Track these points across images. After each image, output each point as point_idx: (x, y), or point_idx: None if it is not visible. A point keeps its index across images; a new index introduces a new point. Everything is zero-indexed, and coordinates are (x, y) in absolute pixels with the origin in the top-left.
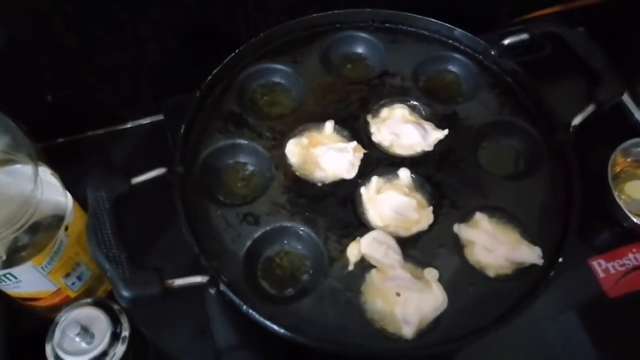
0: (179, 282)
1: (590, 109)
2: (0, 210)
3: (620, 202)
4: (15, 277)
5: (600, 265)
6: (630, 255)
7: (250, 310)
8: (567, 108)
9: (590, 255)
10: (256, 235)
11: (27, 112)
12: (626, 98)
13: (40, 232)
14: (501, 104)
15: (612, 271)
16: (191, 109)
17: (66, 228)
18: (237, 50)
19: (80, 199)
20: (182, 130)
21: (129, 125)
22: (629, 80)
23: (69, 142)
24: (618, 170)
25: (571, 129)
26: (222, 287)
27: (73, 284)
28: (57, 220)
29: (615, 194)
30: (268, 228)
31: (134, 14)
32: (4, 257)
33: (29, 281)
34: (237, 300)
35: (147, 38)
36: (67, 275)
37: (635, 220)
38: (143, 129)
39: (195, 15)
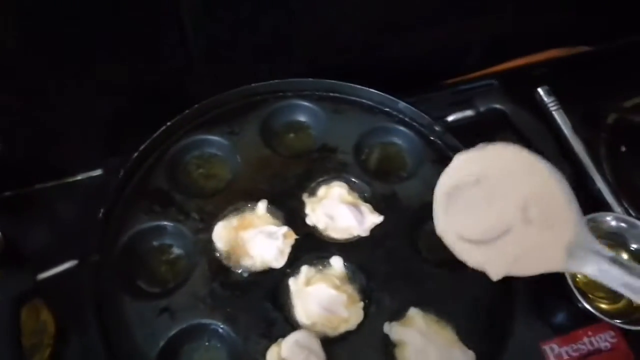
0: None
1: None
2: None
3: (572, 283)
4: None
5: (552, 350)
6: (586, 339)
7: None
8: None
9: (542, 337)
10: (171, 333)
11: None
12: (590, 168)
13: None
14: None
15: (565, 357)
16: (112, 191)
17: None
18: (168, 124)
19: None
20: (100, 215)
21: (79, 178)
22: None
23: (15, 195)
24: None
25: None
26: None
27: None
28: None
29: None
30: (184, 325)
31: (81, 70)
32: None
33: None
34: None
35: (93, 97)
36: None
37: (586, 305)
38: (93, 181)
39: (145, 75)
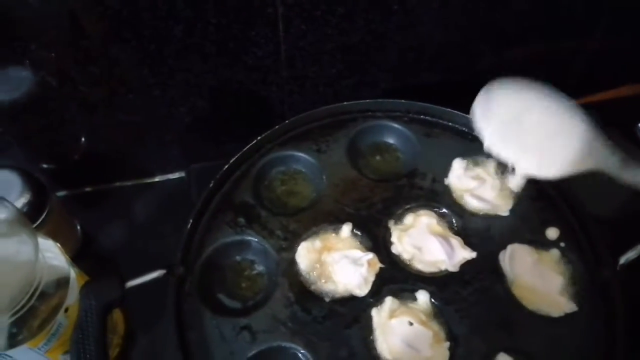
0: None
1: None
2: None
3: None
4: (11, 357)
5: None
6: None
7: None
8: (619, 238)
9: None
10: (250, 354)
11: (58, 159)
12: None
13: (39, 313)
14: (542, 221)
15: None
16: (201, 201)
17: (66, 309)
18: (258, 138)
19: (101, 248)
20: (188, 226)
21: (156, 179)
22: None
23: (96, 192)
24: None
25: (619, 267)
26: None
27: None
28: (57, 300)
29: None
30: (264, 347)
31: (162, 77)
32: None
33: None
34: None
35: (176, 101)
36: (67, 352)
37: None
38: (171, 184)
39: (227, 81)
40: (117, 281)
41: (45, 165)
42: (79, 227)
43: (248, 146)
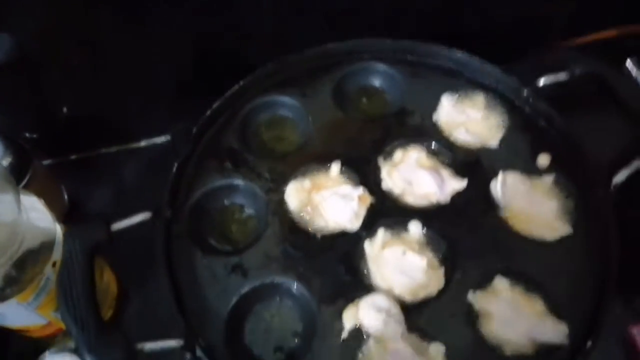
0: (151, 346)
1: (636, 164)
2: None
3: None
4: (1, 313)
5: None
6: None
7: None
8: (610, 160)
9: (631, 321)
10: (243, 290)
11: (41, 126)
12: None
13: (26, 268)
14: (533, 150)
15: None
16: (186, 147)
17: (54, 264)
18: (241, 83)
19: (88, 215)
20: (174, 170)
21: (142, 144)
22: None
23: (81, 159)
24: None
25: (612, 187)
26: (199, 353)
27: None
28: (44, 255)
29: None
30: (257, 283)
31: (144, 32)
32: None
33: (15, 316)
34: None
35: (158, 58)
36: (58, 308)
37: None
38: (157, 148)
39: (210, 37)
40: (101, 224)
41: (28, 135)
42: (65, 194)
43: (231, 91)
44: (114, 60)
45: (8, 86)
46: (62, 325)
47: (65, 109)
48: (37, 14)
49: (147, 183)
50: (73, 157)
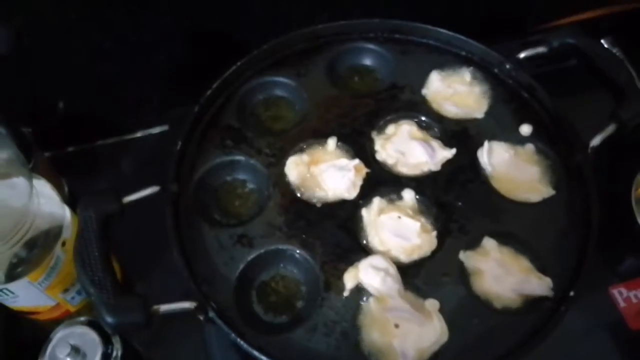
0: (166, 307)
1: (611, 128)
2: None
3: None
4: (12, 292)
5: (621, 294)
6: None
7: (239, 340)
8: (588, 126)
9: (611, 282)
10: (249, 258)
11: (37, 119)
12: None
13: (36, 247)
14: (516, 120)
15: (634, 300)
16: (188, 125)
17: (63, 243)
18: (238, 63)
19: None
20: (177, 147)
21: (138, 135)
22: None
23: (79, 151)
24: None
25: (590, 150)
26: (211, 314)
27: (72, 298)
28: (54, 235)
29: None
30: (262, 251)
31: (136, 20)
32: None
33: (26, 296)
34: (225, 328)
35: (151, 46)
36: (66, 290)
37: None
38: (152, 139)
39: (201, 22)
40: (113, 194)
41: (25, 129)
42: (65, 185)
43: (229, 71)
44: (110, 47)
45: (4, 78)
46: (70, 307)
47: (61, 104)
48: (32, 5)
49: (144, 173)
50: (70, 149)
